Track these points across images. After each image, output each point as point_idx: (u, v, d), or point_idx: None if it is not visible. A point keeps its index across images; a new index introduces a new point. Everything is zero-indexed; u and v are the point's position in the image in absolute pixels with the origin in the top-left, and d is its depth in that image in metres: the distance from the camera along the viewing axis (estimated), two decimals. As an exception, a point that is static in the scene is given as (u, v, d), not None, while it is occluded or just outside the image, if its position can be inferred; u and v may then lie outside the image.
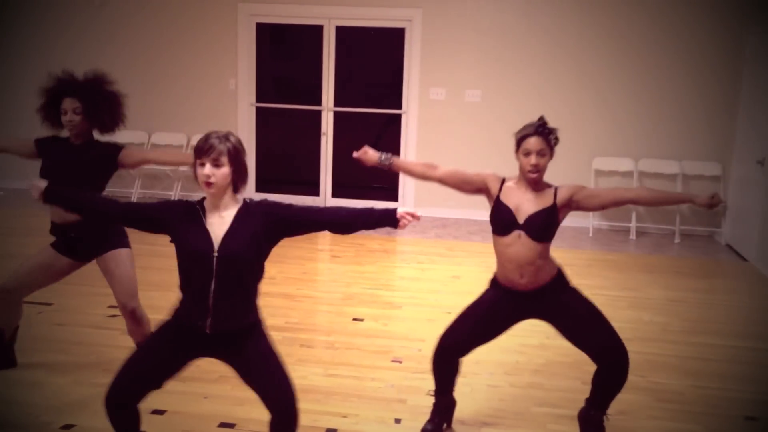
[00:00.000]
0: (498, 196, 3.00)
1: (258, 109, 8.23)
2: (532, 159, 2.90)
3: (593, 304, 3.03)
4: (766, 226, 6.18)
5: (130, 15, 8.10)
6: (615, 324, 4.63)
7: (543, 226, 2.94)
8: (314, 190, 8.26)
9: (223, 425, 3.21)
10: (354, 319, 4.64)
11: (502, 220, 2.98)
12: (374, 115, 8.28)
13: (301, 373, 3.76)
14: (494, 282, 3.11)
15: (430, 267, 5.93)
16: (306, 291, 5.23)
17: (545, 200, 2.97)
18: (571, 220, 7.76)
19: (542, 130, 2.94)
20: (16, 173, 7.37)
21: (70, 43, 8.16)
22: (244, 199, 2.59)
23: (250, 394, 3.48)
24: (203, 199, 2.57)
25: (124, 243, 3.43)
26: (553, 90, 7.43)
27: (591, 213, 7.37)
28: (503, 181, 3.04)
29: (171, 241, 2.55)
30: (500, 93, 7.50)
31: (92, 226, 3.34)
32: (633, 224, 7.32)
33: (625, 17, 7.29)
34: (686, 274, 6.01)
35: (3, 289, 3.41)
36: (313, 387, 3.62)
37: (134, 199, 8.10)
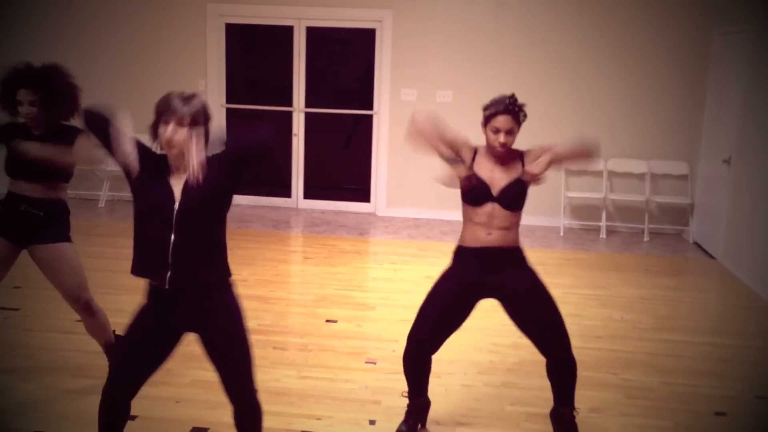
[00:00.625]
0: (471, 167, 2.97)
1: (228, 110, 8.16)
2: (501, 137, 2.91)
3: (549, 295, 3.02)
4: (732, 223, 6.30)
5: (95, 14, 7.97)
6: (586, 322, 4.72)
7: (516, 197, 2.95)
8: (286, 192, 8.22)
9: (195, 429, 3.18)
10: (327, 321, 4.62)
11: (475, 193, 2.96)
12: (345, 116, 8.26)
13: (274, 376, 3.74)
14: (456, 254, 3.07)
15: (403, 267, 5.93)
16: (279, 293, 5.20)
17: (515, 170, 2.96)
18: (542, 219, 7.85)
19: (512, 108, 2.94)
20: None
21: (32, 44, 8.01)
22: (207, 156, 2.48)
23: (223, 398, 3.44)
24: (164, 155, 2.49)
25: (67, 237, 3.37)
26: (524, 90, 7.40)
27: (562, 212, 7.45)
28: (475, 151, 3.02)
29: (131, 187, 2.48)
30: (472, 93, 7.53)
31: (48, 206, 3.28)
32: (603, 223, 7.40)
33: (591, 19, 7.37)
34: (655, 272, 6.10)
35: None
36: (287, 389, 3.60)
37: (102, 203, 7.98)
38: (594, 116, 7.51)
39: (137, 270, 2.48)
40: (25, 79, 3.22)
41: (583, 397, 3.61)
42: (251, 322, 4.54)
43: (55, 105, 3.23)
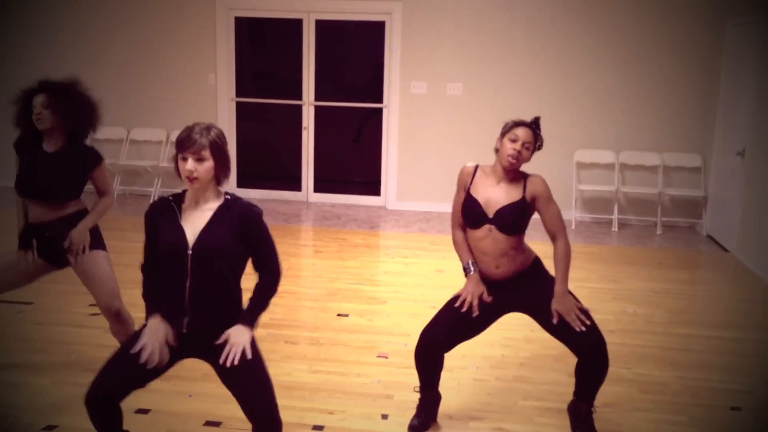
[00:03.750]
0: (468, 189, 3.00)
1: (238, 103, 8.16)
2: (517, 145, 2.90)
3: (576, 299, 3.02)
4: (746, 216, 6.24)
5: (107, 10, 7.98)
6: (599, 316, 4.66)
7: (513, 220, 2.93)
8: (296, 185, 8.22)
9: (208, 424, 3.18)
10: (338, 315, 4.61)
11: (472, 214, 2.98)
12: (355, 110, 8.24)
13: (285, 370, 3.74)
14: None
15: (414, 261, 5.92)
16: (289, 287, 5.19)
17: (515, 193, 2.95)
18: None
19: (535, 126, 2.97)
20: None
21: (46, 41, 8.03)
22: (226, 194, 2.52)
23: (235, 392, 3.45)
24: (184, 191, 2.52)
25: (101, 245, 3.39)
26: (534, 82, 7.43)
27: (573, 205, 7.41)
28: (476, 169, 3.02)
29: None
30: (482, 86, 7.50)
31: (69, 225, 3.29)
32: (615, 216, 7.36)
33: (605, 11, 7.30)
34: (668, 266, 6.06)
35: None
36: (299, 384, 3.59)
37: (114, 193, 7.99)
38: (606, 108, 7.45)
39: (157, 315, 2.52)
40: (38, 88, 3.24)
41: (596, 392, 3.60)
42: (262, 317, 4.56)
43: (63, 110, 3.22)
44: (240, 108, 8.18)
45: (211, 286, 2.45)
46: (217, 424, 3.18)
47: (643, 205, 7.51)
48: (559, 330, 2.99)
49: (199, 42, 7.93)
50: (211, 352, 2.51)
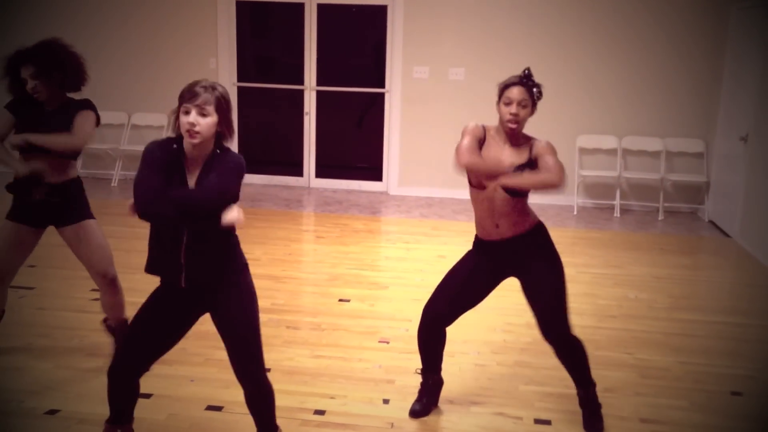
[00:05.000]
0: (480, 148, 2.90)
1: (240, 88, 8.12)
2: (513, 108, 2.83)
3: (561, 280, 2.97)
4: (748, 202, 6.22)
5: (107, -7, 7.94)
6: (600, 302, 4.69)
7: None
8: (298, 171, 8.20)
9: (210, 408, 3.19)
10: (340, 300, 4.62)
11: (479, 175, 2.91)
12: (357, 94, 8.21)
13: (287, 355, 3.75)
14: (474, 245, 3.07)
15: (415, 247, 5.91)
16: (291, 272, 5.19)
17: (523, 155, 2.89)
18: (555, 198, 7.82)
19: (527, 81, 2.87)
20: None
21: (43, 25, 7.99)
22: (225, 150, 2.45)
23: (235, 377, 3.46)
24: (181, 143, 2.41)
25: (89, 214, 3.40)
26: (537, 67, 7.30)
27: (576, 190, 7.39)
28: (484, 130, 2.94)
29: None
30: (484, 71, 7.46)
31: (61, 191, 3.29)
32: (617, 202, 7.34)
33: (609, -6, 7.25)
34: (670, 251, 6.05)
35: None
36: (300, 369, 3.60)
37: (115, 182, 8.00)
38: (609, 93, 7.42)
39: (151, 269, 2.49)
40: (21, 58, 3.21)
41: (597, 377, 3.58)
42: (264, 302, 4.56)
43: (55, 75, 3.21)
44: (242, 93, 8.14)
45: (208, 239, 2.43)
46: (218, 408, 3.18)
47: (645, 190, 7.49)
48: (533, 304, 2.98)
49: (201, 26, 7.89)
50: (212, 304, 2.52)
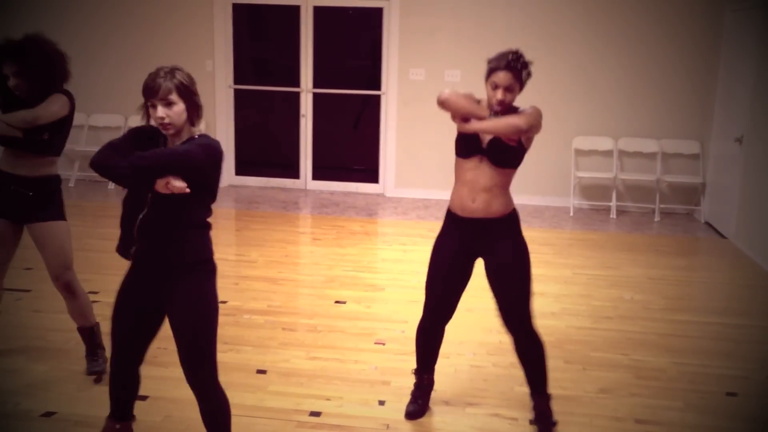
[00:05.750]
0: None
1: (236, 91, 8.13)
2: (499, 94, 2.80)
3: (527, 269, 2.93)
4: (744, 203, 6.24)
5: (103, -4, 7.94)
6: (596, 303, 4.70)
7: (505, 151, 2.82)
8: (294, 173, 8.21)
9: (206, 410, 3.18)
10: (336, 302, 4.62)
11: (465, 143, 2.89)
12: (353, 97, 8.22)
13: (283, 357, 3.75)
14: (446, 217, 3.03)
15: (412, 248, 5.92)
16: (288, 274, 5.20)
17: None
18: (551, 200, 7.83)
19: (514, 64, 2.82)
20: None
21: (39, 26, 7.99)
22: (200, 133, 2.45)
23: (233, 379, 3.47)
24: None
25: (62, 215, 3.38)
26: (533, 68, 7.38)
27: (572, 192, 7.41)
28: (478, 101, 2.90)
29: None
30: (480, 73, 7.38)
31: (37, 185, 3.28)
32: (613, 203, 7.35)
33: (604, -4, 7.28)
34: (666, 252, 6.07)
35: None
36: (296, 370, 3.61)
37: (112, 185, 8.00)
38: (605, 95, 7.44)
39: (117, 247, 2.52)
40: (5, 53, 3.20)
41: (593, 378, 3.62)
42: (260, 303, 4.58)
43: (37, 73, 3.19)
44: (238, 95, 8.15)
45: (167, 219, 2.41)
46: (215, 410, 3.18)
47: (641, 192, 7.51)
48: (498, 298, 2.95)
49: (197, 29, 7.89)
50: (165, 296, 2.47)
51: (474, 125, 2.78)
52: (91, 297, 4.24)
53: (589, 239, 6.40)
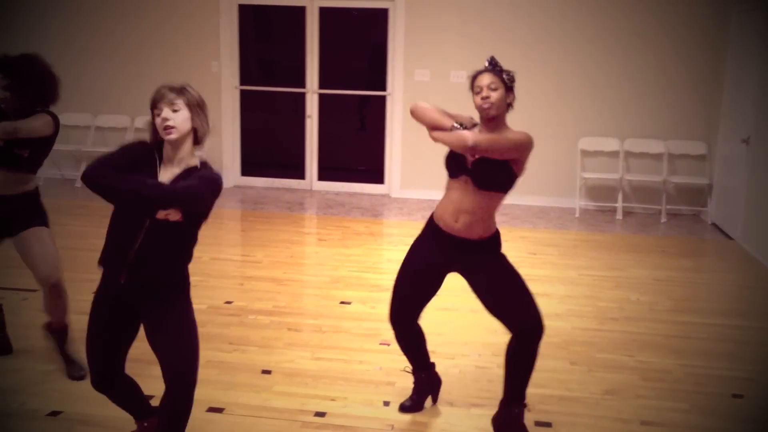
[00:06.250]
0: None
1: (242, 91, 8.15)
2: (483, 93, 2.78)
3: (516, 272, 2.92)
4: (750, 204, 6.22)
5: (110, -3, 7.97)
6: (602, 304, 4.69)
7: (490, 174, 2.79)
8: (300, 173, 8.22)
9: (211, 410, 3.19)
10: (341, 303, 4.62)
11: (452, 162, 2.88)
12: (359, 97, 8.22)
13: (288, 357, 3.76)
14: (427, 224, 3.02)
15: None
16: (293, 275, 5.20)
17: None
18: (556, 201, 7.81)
19: (492, 68, 2.83)
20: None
21: (41, 28, 8.02)
22: (201, 162, 2.47)
23: (238, 379, 3.48)
24: (161, 145, 2.44)
25: (43, 221, 3.42)
26: (539, 70, 7.40)
27: (578, 193, 7.39)
28: (474, 125, 2.88)
29: None
30: (486, 74, 7.46)
31: (16, 202, 3.32)
32: (619, 204, 7.34)
33: (610, -4, 7.26)
34: (672, 254, 6.05)
35: None
36: (301, 370, 3.61)
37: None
38: (611, 96, 7.42)
39: (101, 261, 2.50)
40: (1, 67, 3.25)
41: (598, 379, 3.61)
42: (266, 304, 4.59)
43: (26, 90, 3.24)
44: (244, 96, 8.17)
45: (162, 244, 2.40)
46: (219, 410, 3.19)
47: (647, 193, 7.49)
48: (495, 303, 2.90)
49: (203, 29, 7.91)
50: (146, 316, 2.48)
51: (434, 134, 2.80)
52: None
53: (594, 240, 6.39)
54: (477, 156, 2.75)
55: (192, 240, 2.51)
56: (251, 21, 8.18)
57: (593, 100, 7.45)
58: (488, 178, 2.79)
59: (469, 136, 2.67)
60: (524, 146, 2.77)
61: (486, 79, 2.80)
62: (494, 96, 2.78)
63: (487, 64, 2.86)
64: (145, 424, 2.74)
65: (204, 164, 2.48)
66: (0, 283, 4.52)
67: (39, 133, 3.25)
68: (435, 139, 2.81)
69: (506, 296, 2.90)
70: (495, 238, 2.94)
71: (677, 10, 7.19)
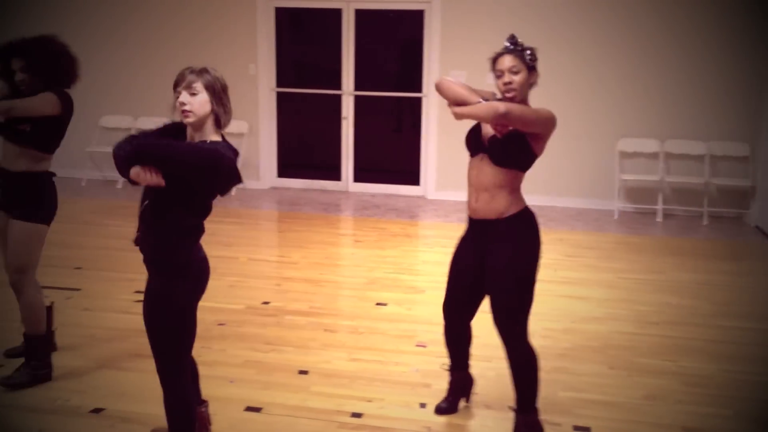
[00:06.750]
0: None
1: (278, 94, 8.22)
2: (504, 78, 2.75)
3: (525, 283, 2.82)
4: (796, 207, 6.07)
5: (150, 1, 8.10)
6: (641, 308, 4.62)
7: (505, 149, 2.76)
8: (336, 175, 8.25)
9: (249, 409, 3.23)
10: (377, 304, 4.63)
11: (471, 140, 2.91)
12: (394, 99, 8.23)
13: (325, 358, 3.78)
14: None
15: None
16: (329, 276, 5.23)
17: None
18: (594, 203, 7.71)
19: (512, 48, 2.78)
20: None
21: (89, 34, 8.19)
22: (216, 140, 2.46)
23: (275, 379, 3.51)
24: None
25: (41, 217, 3.33)
26: (575, 70, 7.32)
27: (616, 195, 7.29)
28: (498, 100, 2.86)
29: None
30: (523, 74, 7.40)
31: (18, 180, 3.31)
32: (660, 206, 7.21)
33: (650, -5, 7.15)
34: (714, 257, 5.93)
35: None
36: (338, 371, 3.62)
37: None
38: (650, 96, 7.30)
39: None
40: (14, 49, 3.29)
41: (638, 384, 3.56)
42: (302, 305, 4.62)
43: (42, 69, 3.27)
44: (280, 98, 8.24)
45: (156, 217, 2.44)
46: (257, 409, 3.22)
47: (688, 195, 7.35)
48: (491, 305, 2.87)
49: (240, 33, 8.00)
50: (148, 280, 2.53)
51: (459, 109, 2.75)
52: (137, 296, 4.33)
53: (633, 243, 6.29)
54: (503, 130, 2.74)
55: (185, 218, 2.46)
56: (287, 23, 8.24)
57: (632, 100, 7.34)
58: (505, 154, 2.77)
59: (501, 104, 2.66)
60: (549, 121, 2.76)
61: (507, 62, 2.77)
62: (516, 80, 2.76)
63: (507, 44, 2.81)
64: (203, 409, 2.83)
65: (215, 142, 2.44)
66: (44, 282, 4.61)
67: (37, 111, 3.23)
68: (459, 115, 2.76)
69: (495, 296, 2.86)
70: (519, 218, 2.84)
71: (719, 8, 7.04)
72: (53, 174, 3.43)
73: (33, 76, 3.28)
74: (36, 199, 3.34)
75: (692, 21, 7.11)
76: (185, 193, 2.41)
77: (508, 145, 2.76)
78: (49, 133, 3.34)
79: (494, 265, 2.84)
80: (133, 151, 2.34)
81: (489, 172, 2.81)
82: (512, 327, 2.87)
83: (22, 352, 3.50)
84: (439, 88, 2.88)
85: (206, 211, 2.52)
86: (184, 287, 2.50)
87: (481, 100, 2.74)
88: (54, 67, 3.31)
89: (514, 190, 2.85)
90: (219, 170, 2.38)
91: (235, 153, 2.48)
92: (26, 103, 3.24)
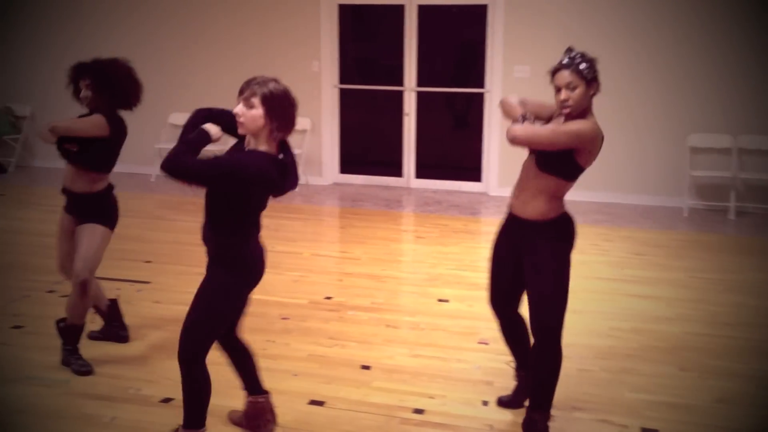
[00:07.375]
0: (551, 118, 2.90)
1: (341, 90, 8.28)
2: (562, 94, 2.73)
3: (561, 279, 2.80)
4: None
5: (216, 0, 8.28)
6: (713, 308, 4.47)
7: (549, 156, 2.76)
8: (397, 171, 8.27)
9: (312, 403, 3.26)
10: (439, 300, 4.62)
11: None
12: (457, 95, 8.18)
13: (387, 353, 3.79)
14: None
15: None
16: (391, 272, 5.24)
17: None
18: (663, 200, 7.49)
19: (569, 62, 2.75)
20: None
21: (151, 35, 8.42)
22: (280, 154, 2.56)
23: (338, 373, 3.54)
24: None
25: (101, 220, 3.51)
26: (644, 64, 7.12)
27: (687, 191, 7.06)
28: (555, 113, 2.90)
29: None
30: (588, 68, 7.25)
31: (82, 201, 3.50)
32: (732, 203, 6.95)
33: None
34: (791, 256, 5.68)
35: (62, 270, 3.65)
36: (400, 367, 3.63)
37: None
38: (722, 89, 7.04)
39: None
40: (82, 70, 3.45)
41: (710, 387, 3.44)
42: (364, 300, 4.64)
43: (103, 89, 3.41)
44: (343, 95, 8.30)
45: (211, 209, 2.61)
46: (320, 403, 3.26)
47: (763, 192, 7.06)
48: (528, 297, 2.87)
49: (304, 30, 8.09)
50: None
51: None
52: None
53: (705, 241, 6.08)
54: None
55: (228, 219, 2.59)
56: (350, 20, 8.29)
57: (703, 95, 7.09)
58: (548, 160, 2.79)
59: (510, 130, 2.76)
60: (583, 137, 2.71)
61: (564, 78, 2.74)
62: (573, 96, 2.74)
63: (564, 59, 2.79)
64: (261, 400, 2.92)
65: (251, 151, 2.54)
66: (115, 275, 4.78)
67: (81, 131, 3.41)
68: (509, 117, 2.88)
69: (533, 290, 2.85)
70: (553, 225, 2.83)
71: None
72: (112, 187, 3.61)
73: (95, 95, 3.44)
74: (98, 214, 3.54)
75: (766, 11, 6.83)
76: (222, 198, 2.57)
77: (553, 152, 2.77)
78: (98, 154, 3.48)
79: (535, 260, 2.85)
80: (167, 170, 2.48)
81: (534, 173, 2.84)
82: (547, 324, 2.85)
83: (104, 334, 3.81)
84: (500, 105, 2.99)
85: (249, 213, 2.62)
86: (232, 279, 2.63)
87: (519, 115, 2.80)
88: (115, 88, 3.45)
89: (555, 197, 2.83)
90: (236, 179, 2.48)
91: (274, 162, 2.53)
92: (70, 123, 3.43)
